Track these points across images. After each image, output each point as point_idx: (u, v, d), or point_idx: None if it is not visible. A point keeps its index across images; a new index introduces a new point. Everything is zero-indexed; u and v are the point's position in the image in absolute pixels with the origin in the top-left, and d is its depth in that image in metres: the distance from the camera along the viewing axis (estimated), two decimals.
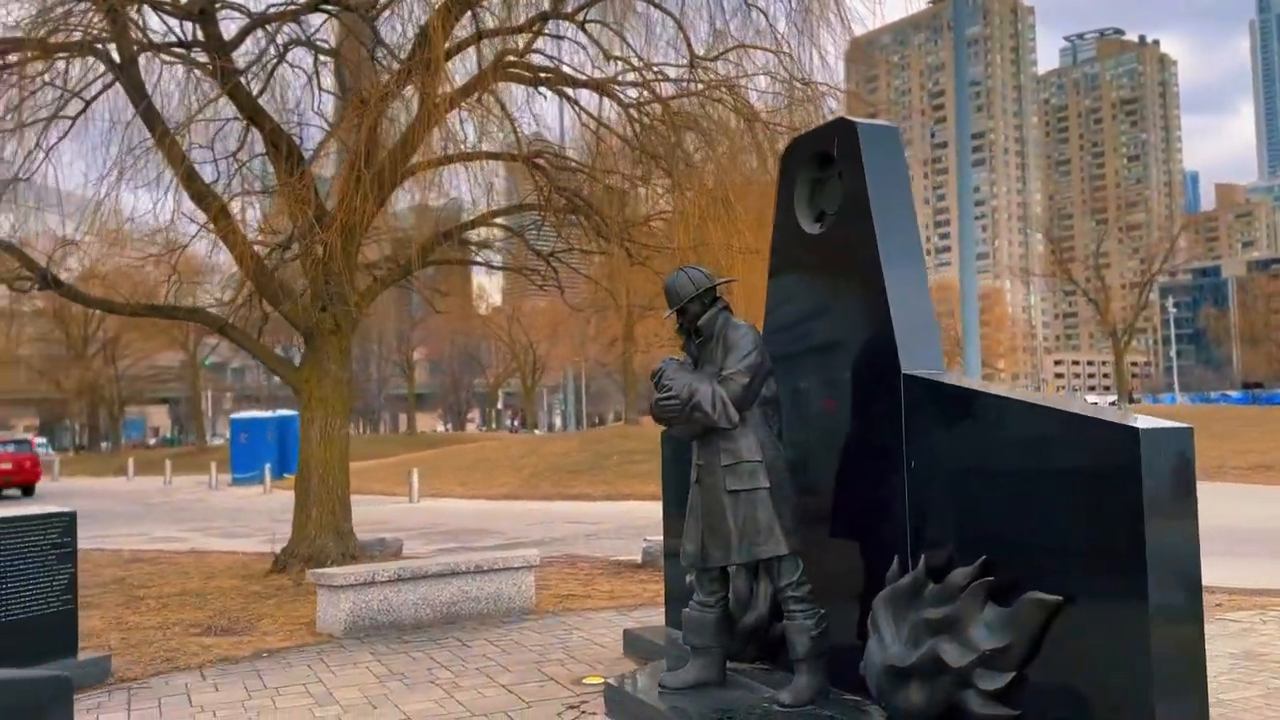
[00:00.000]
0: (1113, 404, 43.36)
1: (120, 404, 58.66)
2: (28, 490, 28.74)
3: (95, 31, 9.58)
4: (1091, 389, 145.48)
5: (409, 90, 10.48)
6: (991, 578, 4.00)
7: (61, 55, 9.75)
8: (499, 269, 11.94)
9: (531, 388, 65.49)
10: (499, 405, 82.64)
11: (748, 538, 4.66)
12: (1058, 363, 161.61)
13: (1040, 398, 4.15)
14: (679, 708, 4.74)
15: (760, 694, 4.85)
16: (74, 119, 9.76)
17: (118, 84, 9.75)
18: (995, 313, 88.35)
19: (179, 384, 60.79)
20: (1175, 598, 3.40)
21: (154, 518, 20.88)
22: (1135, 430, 3.46)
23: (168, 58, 10.01)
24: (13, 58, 9.87)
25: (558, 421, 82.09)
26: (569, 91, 11.05)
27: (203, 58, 9.66)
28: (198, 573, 11.12)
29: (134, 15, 9.50)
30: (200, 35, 9.60)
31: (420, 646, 6.92)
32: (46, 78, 9.62)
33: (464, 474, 24.91)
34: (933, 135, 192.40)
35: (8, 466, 28.07)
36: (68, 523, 6.25)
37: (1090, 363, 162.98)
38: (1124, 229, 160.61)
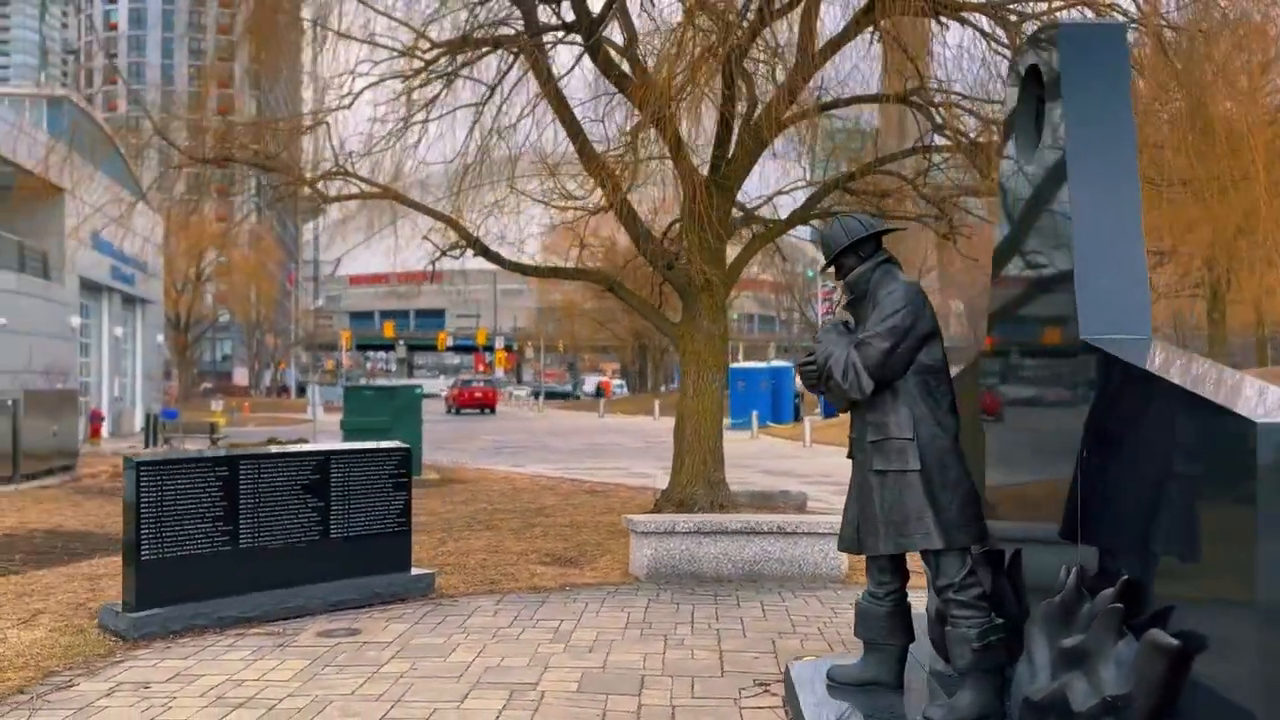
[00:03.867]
0: None
1: (660, 352, 65.46)
2: (491, 409, 48.47)
3: (507, 28, 10.85)
4: None
5: (783, 35, 10.34)
6: (1121, 604, 3.10)
7: (488, 50, 11.17)
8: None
9: None
10: None
11: (894, 525, 4.07)
12: None
13: (1203, 373, 3.04)
14: (825, 705, 4.32)
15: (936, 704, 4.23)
16: (477, 106, 11.17)
17: (525, 72, 10.95)
18: None
19: None
20: None
21: (649, 455, 23.04)
22: (1252, 423, 2.47)
23: (560, 40, 10.97)
24: (460, 58, 11.56)
25: None
26: (969, 18, 10.08)
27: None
28: (603, 507, 12.25)
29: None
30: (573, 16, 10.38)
31: (696, 599, 7.01)
32: (466, 71, 11.11)
33: None
34: None
35: (479, 395, 48.69)
36: (403, 456, 7.32)
37: None
38: None
